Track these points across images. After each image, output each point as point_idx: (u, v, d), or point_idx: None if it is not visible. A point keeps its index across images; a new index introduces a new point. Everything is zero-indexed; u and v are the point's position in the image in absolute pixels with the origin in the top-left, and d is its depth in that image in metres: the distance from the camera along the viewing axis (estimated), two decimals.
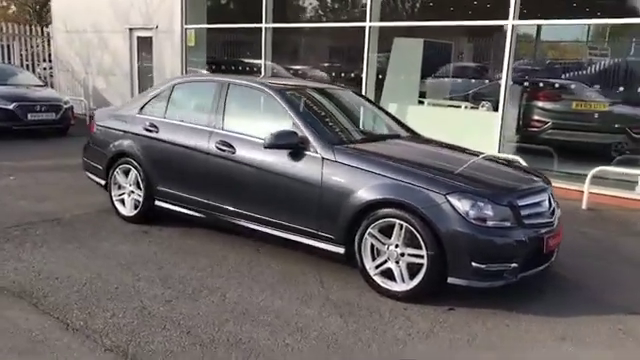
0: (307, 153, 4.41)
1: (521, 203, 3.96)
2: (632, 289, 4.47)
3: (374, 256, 4.13)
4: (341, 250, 4.25)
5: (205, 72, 12.34)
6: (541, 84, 10.02)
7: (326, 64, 12.08)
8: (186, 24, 12.17)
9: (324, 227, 4.30)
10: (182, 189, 5.16)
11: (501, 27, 8.55)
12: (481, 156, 4.78)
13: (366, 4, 9.47)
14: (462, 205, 3.77)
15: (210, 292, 4.04)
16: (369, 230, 4.06)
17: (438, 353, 3.33)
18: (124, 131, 5.61)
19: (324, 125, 4.95)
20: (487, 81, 11.13)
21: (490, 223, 3.78)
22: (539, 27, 10.11)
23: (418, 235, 3.84)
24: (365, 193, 4.04)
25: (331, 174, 4.24)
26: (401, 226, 3.93)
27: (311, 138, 4.42)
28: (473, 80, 10.94)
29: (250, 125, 4.87)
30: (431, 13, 10.63)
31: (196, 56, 12.49)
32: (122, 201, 5.70)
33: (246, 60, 12.35)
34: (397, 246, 3.98)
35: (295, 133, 4.44)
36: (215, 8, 12.94)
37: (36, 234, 5.18)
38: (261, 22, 10.81)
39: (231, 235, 5.14)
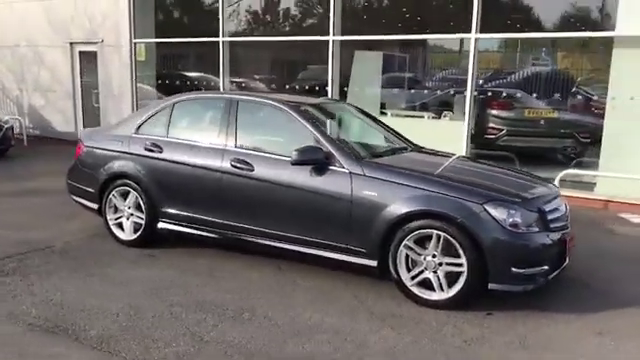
0: (332, 168, 4.45)
1: (547, 208, 4.19)
2: (634, 283, 4.82)
3: (408, 267, 4.22)
4: (373, 263, 4.31)
5: (150, 88, 12.08)
6: (489, 93, 10.54)
7: (283, 77, 12.11)
8: (135, 38, 11.80)
9: (355, 241, 4.35)
10: (192, 210, 5.03)
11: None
12: (494, 167, 5.00)
13: (329, 18, 9.60)
14: (499, 213, 3.94)
15: (252, 314, 3.97)
16: (404, 242, 4.15)
17: (501, 357, 3.46)
18: (120, 152, 5.40)
19: (342, 140, 4.99)
20: (438, 91, 11.57)
21: (524, 229, 3.98)
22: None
23: (457, 244, 3.97)
24: (400, 205, 4.13)
25: (362, 188, 4.29)
26: (439, 236, 4.04)
27: (336, 153, 4.47)
28: (425, 91, 11.32)
29: (266, 142, 4.85)
30: (391, 27, 10.89)
31: (146, 71, 12.14)
32: (119, 225, 5.47)
33: (199, 74, 12.17)
34: (434, 256, 4.09)
35: (320, 149, 4.47)
36: (165, 22, 12.63)
37: (35, 265, 4.88)
38: (218, 36, 10.68)
39: (243, 255, 5.07)
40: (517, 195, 4.18)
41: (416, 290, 4.17)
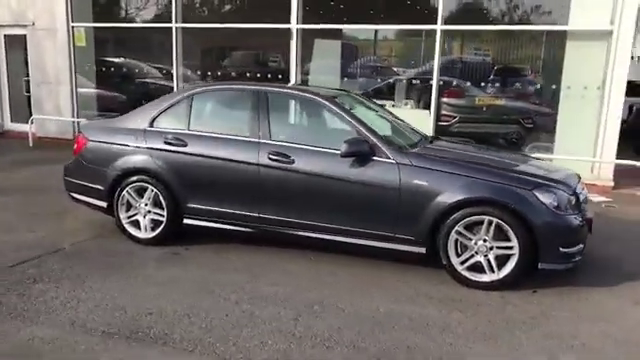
0: (376, 159, 4.54)
1: (577, 191, 4.57)
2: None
3: (457, 252, 4.42)
4: (422, 250, 4.48)
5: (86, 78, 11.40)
6: (441, 82, 11.01)
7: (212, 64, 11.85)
8: (73, 22, 11.04)
9: (402, 229, 4.49)
10: (222, 204, 4.92)
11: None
12: (516, 154, 5.32)
13: (291, 6, 9.55)
14: (545, 198, 4.25)
15: (321, 306, 4.00)
16: (456, 228, 4.35)
17: (572, 331, 3.75)
18: (135, 146, 5.13)
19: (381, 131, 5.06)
20: (379, 79, 11.89)
21: (566, 211, 4.31)
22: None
23: (509, 228, 4.23)
24: (453, 194, 4.32)
25: (411, 178, 4.43)
26: (490, 222, 4.28)
27: (380, 144, 4.56)
28: (379, 80, 11.59)
29: (304, 134, 4.85)
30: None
31: (85, 57, 11.41)
32: (134, 223, 5.22)
33: (145, 62, 11.67)
34: (485, 240, 4.33)
35: (365, 140, 4.54)
36: (106, 5, 11.89)
37: (58, 270, 4.56)
38: (171, 22, 10.27)
39: (268, 247, 5.07)
40: (557, 180, 4.51)
41: (466, 274, 4.39)
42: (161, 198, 5.06)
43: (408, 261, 4.69)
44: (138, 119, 5.28)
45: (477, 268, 4.39)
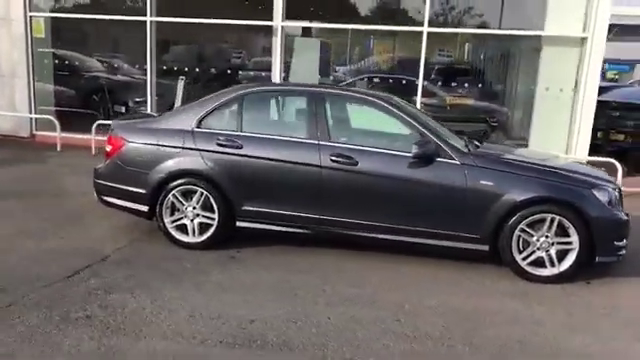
0: (441, 160, 4.68)
1: (618, 189, 4.96)
2: None
3: (519, 249, 4.66)
4: (485, 247, 4.69)
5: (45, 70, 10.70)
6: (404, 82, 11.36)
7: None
8: (31, 11, 10.31)
9: (466, 228, 4.66)
10: (281, 206, 4.87)
11: None
12: (552, 155, 5.66)
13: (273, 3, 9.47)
14: (601, 196, 4.59)
15: (410, 305, 4.09)
16: (520, 226, 4.59)
17: None
18: (183, 147, 4.96)
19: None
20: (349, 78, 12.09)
21: (617, 208, 4.68)
22: None
23: (571, 225, 4.52)
24: (519, 193, 4.55)
25: (477, 178, 4.61)
26: (552, 219, 4.55)
27: (444, 146, 4.71)
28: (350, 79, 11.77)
29: (366, 136, 4.90)
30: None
31: (42, 50, 10.70)
32: (179, 227, 5.04)
33: (110, 57, 11.14)
34: (547, 237, 4.59)
35: (430, 142, 4.67)
36: None
37: (122, 278, 4.34)
38: (145, 15, 9.86)
39: (321, 248, 5.07)
40: (607, 180, 4.87)
41: (529, 269, 4.65)
42: (212, 201, 4.93)
43: (462, 259, 4.86)
44: (183, 119, 5.09)
45: (537, 263, 4.65)
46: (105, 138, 5.34)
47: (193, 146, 4.95)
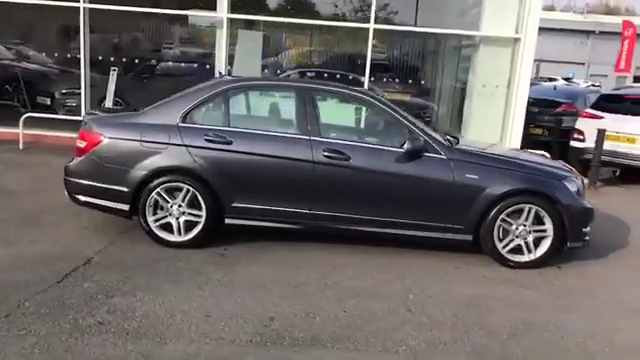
0: (428, 155, 4.88)
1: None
2: None
3: (499, 237, 4.97)
4: (469, 237, 4.95)
5: None
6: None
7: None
8: None
9: (452, 220, 4.90)
10: (271, 202, 4.84)
11: None
12: (524, 150, 6.02)
13: None
14: (571, 187, 4.99)
15: (414, 295, 4.25)
16: (501, 216, 4.88)
17: (624, 296, 4.52)
18: (168, 143, 4.79)
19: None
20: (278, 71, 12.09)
21: (583, 197, 5.11)
22: None
23: (546, 214, 4.88)
24: (502, 185, 4.84)
25: (463, 172, 4.85)
26: (530, 209, 4.88)
27: (432, 141, 4.91)
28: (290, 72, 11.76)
29: (356, 132, 4.98)
30: None
31: None
32: (164, 226, 4.87)
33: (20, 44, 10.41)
34: (524, 225, 4.93)
35: (420, 138, 4.85)
36: None
37: (119, 281, 4.14)
38: (79, 1, 9.30)
39: (313, 242, 5.12)
40: (571, 170, 5.30)
41: (509, 256, 4.96)
42: (200, 198, 4.80)
43: (448, 249, 5.10)
44: (166, 114, 4.91)
45: (516, 250, 4.97)
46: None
47: (179, 142, 4.79)
